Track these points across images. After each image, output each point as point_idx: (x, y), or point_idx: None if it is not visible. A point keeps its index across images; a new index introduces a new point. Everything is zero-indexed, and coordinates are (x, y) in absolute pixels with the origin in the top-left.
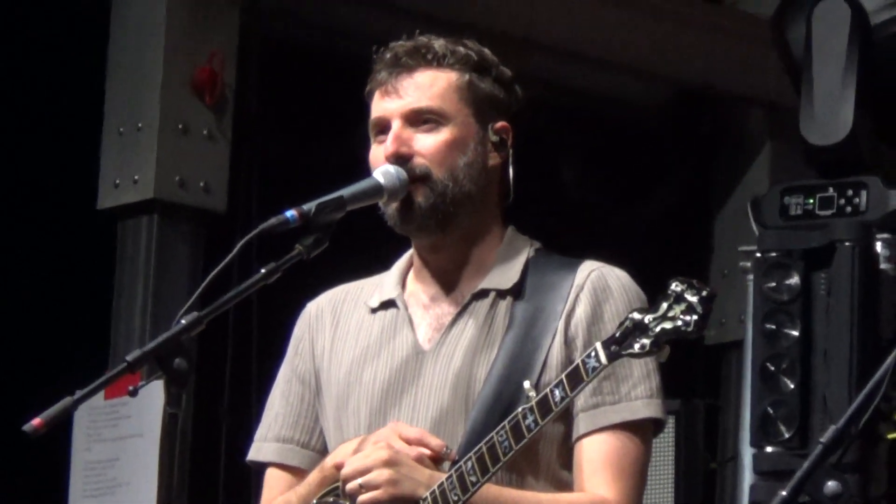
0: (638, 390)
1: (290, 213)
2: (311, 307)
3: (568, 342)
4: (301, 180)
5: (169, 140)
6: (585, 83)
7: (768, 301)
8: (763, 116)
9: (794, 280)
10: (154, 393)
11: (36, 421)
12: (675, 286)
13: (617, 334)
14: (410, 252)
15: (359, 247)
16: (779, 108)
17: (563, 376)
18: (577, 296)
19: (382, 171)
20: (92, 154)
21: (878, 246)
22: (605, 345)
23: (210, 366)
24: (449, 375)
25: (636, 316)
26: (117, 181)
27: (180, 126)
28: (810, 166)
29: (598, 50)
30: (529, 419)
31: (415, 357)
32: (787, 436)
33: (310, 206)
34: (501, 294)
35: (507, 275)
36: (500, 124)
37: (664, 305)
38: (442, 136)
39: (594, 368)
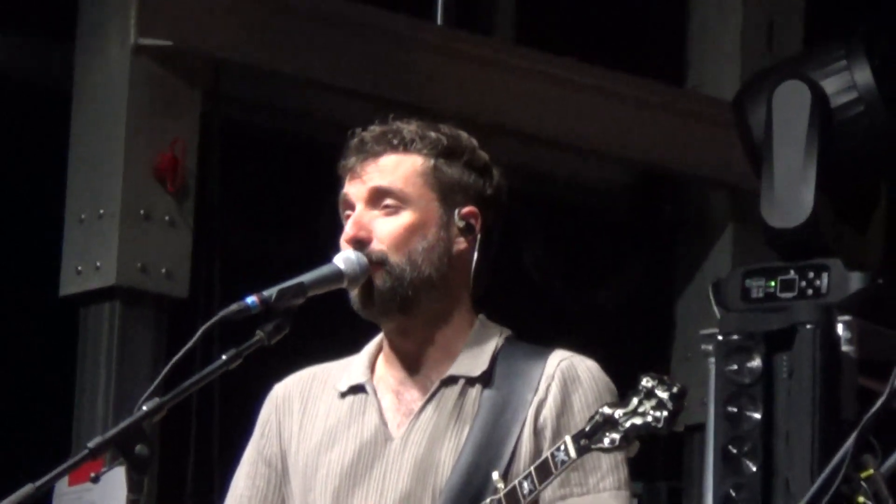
0: (606, 482)
1: (251, 300)
2: (279, 389)
3: (537, 432)
4: (263, 266)
5: (131, 227)
6: (546, 166)
7: (730, 384)
8: (725, 199)
9: (756, 363)
10: (117, 479)
11: None
12: (646, 382)
13: (587, 428)
14: (381, 336)
15: (321, 331)
16: (741, 191)
17: (531, 469)
18: (548, 386)
19: (343, 257)
20: (54, 241)
21: (840, 328)
22: (575, 439)
23: (173, 451)
24: (416, 462)
25: (606, 410)
26: (79, 268)
27: (142, 213)
28: (772, 249)
29: (558, 133)
30: None
31: (383, 442)
32: None
33: (270, 292)
34: (470, 381)
35: (476, 362)
36: (467, 209)
37: (634, 401)
38: (401, 219)
39: (563, 462)
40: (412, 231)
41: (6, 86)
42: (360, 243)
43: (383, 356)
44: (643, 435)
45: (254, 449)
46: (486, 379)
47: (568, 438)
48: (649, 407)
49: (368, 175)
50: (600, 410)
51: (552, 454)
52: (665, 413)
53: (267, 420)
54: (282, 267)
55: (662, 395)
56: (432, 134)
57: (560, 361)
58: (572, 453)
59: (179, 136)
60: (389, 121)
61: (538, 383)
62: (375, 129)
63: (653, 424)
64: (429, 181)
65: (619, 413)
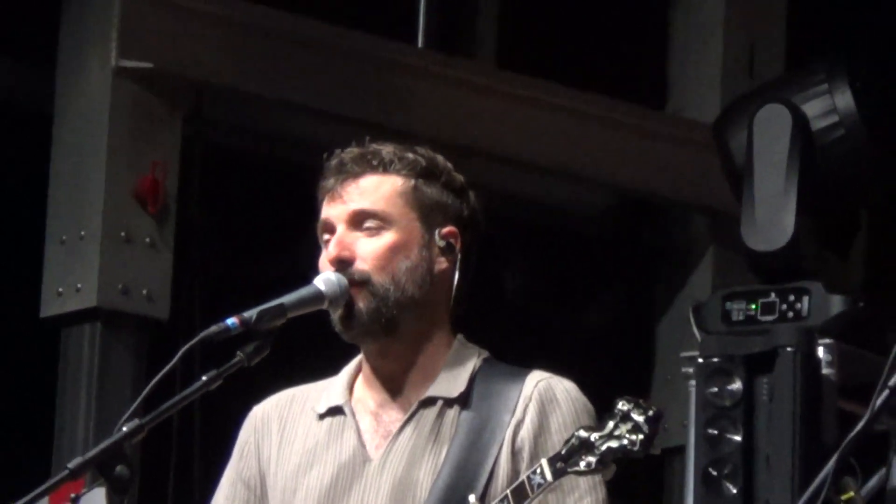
0: (584, 502)
1: (231, 321)
2: (257, 411)
3: (515, 453)
4: (243, 288)
5: (111, 249)
6: (527, 190)
7: (710, 406)
8: (705, 223)
9: (736, 385)
10: (97, 500)
11: None
12: (622, 405)
13: (563, 451)
14: (359, 358)
15: (301, 352)
16: (721, 215)
17: (508, 491)
18: (525, 406)
19: (324, 278)
20: (35, 263)
21: (821, 351)
22: (551, 462)
23: (153, 472)
24: (395, 483)
25: (582, 434)
26: (60, 290)
27: (123, 235)
28: (752, 272)
29: (540, 157)
30: None
31: (361, 464)
32: None
33: (251, 313)
34: (448, 402)
35: (454, 383)
36: (447, 229)
37: (610, 424)
38: (384, 240)
39: (539, 485)
40: (395, 251)
41: None
42: (343, 263)
43: (362, 377)
44: (619, 458)
45: (233, 470)
46: (463, 400)
47: (544, 461)
48: (625, 430)
49: (349, 195)
50: (576, 434)
51: (528, 477)
52: (641, 436)
53: (246, 442)
54: (262, 288)
55: (638, 418)
56: (410, 155)
57: (538, 382)
58: (548, 476)
59: (160, 159)
60: (366, 142)
61: (515, 405)
62: (353, 150)
63: (628, 448)
64: (409, 201)
65: (594, 436)
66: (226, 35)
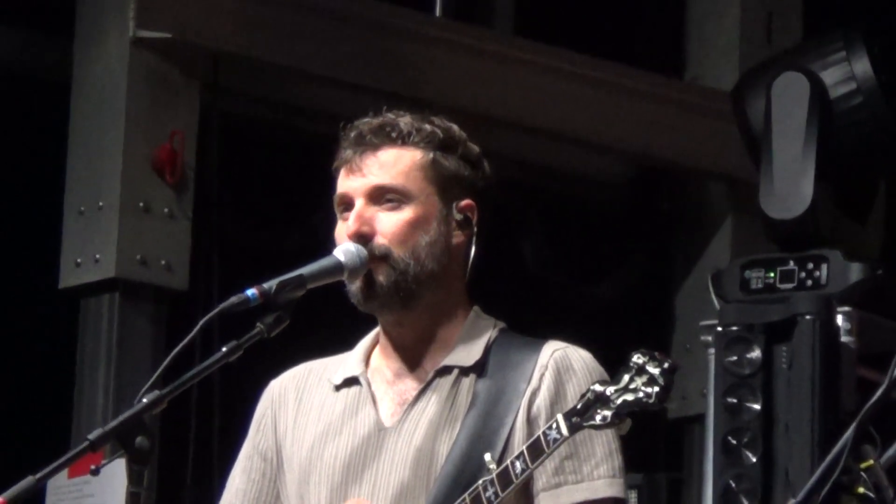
0: (600, 469)
1: (251, 292)
2: (275, 385)
3: (531, 421)
4: (262, 258)
5: (130, 219)
6: (545, 159)
7: (730, 375)
8: (724, 191)
9: (756, 354)
10: (117, 471)
11: None
12: (637, 358)
13: (578, 406)
14: (376, 330)
15: (321, 325)
16: (740, 183)
17: (524, 448)
18: (541, 375)
19: (343, 249)
20: (53, 233)
21: (839, 319)
22: (567, 416)
23: (173, 444)
24: (411, 451)
25: (598, 388)
26: (79, 260)
27: (141, 205)
28: (771, 240)
29: (557, 125)
30: (490, 491)
31: (377, 433)
32: None
33: (270, 284)
34: (464, 371)
35: (470, 352)
36: (464, 202)
37: (626, 377)
38: (404, 214)
39: (555, 440)
40: (415, 226)
41: (5, 79)
42: (362, 238)
43: (379, 348)
44: (635, 411)
45: (250, 444)
46: (479, 369)
47: (560, 416)
48: (641, 383)
49: (368, 169)
50: (592, 388)
51: (544, 433)
52: (656, 389)
53: (263, 415)
54: (281, 259)
55: (654, 370)
56: (427, 126)
57: (554, 351)
58: (564, 431)
59: (178, 129)
60: (383, 112)
61: (532, 373)
62: (371, 121)
63: (644, 400)
64: (428, 175)
65: (610, 390)
66: (243, 4)
